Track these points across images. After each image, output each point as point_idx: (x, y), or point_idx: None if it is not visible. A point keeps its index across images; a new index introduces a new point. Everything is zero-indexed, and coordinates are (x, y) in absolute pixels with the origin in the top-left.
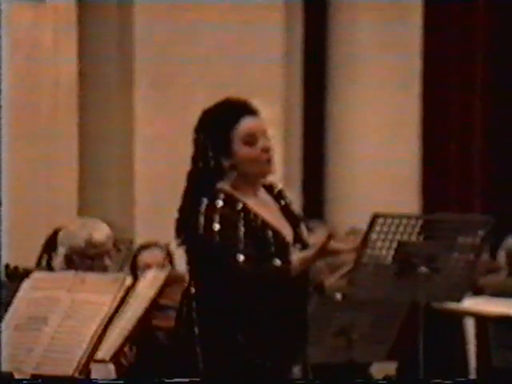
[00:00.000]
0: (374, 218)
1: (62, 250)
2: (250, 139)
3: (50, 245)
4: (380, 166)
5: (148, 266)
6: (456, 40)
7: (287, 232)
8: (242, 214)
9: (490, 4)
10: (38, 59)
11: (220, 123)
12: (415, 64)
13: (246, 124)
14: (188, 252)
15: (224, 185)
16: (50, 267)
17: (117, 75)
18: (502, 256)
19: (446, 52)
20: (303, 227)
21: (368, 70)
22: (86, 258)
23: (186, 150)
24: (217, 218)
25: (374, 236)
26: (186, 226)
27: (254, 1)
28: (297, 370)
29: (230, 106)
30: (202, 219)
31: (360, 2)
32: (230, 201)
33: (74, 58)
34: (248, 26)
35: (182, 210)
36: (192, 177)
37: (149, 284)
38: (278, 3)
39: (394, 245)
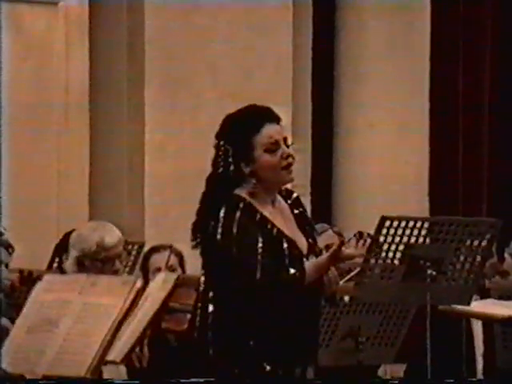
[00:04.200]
0: (382, 221)
1: (73, 253)
2: (272, 146)
3: (62, 248)
4: (388, 168)
5: (159, 269)
6: (465, 41)
7: (302, 243)
8: (260, 225)
9: (499, 3)
10: (49, 62)
11: (242, 130)
12: (424, 66)
13: (268, 131)
14: (204, 256)
15: (242, 191)
16: (61, 270)
17: (127, 78)
18: (508, 258)
19: (454, 53)
20: (314, 234)
21: (376, 73)
22: (97, 261)
23: (196, 153)
24: (235, 228)
25: (381, 238)
26: (203, 231)
27: (263, 5)
28: (310, 371)
29: (252, 113)
30: (220, 228)
31: (368, 5)
32: (249, 210)
33: (85, 60)
34: (258, 30)
35: (199, 214)
36: (211, 181)
37: (159, 286)
38: (287, 7)
39: (402, 247)
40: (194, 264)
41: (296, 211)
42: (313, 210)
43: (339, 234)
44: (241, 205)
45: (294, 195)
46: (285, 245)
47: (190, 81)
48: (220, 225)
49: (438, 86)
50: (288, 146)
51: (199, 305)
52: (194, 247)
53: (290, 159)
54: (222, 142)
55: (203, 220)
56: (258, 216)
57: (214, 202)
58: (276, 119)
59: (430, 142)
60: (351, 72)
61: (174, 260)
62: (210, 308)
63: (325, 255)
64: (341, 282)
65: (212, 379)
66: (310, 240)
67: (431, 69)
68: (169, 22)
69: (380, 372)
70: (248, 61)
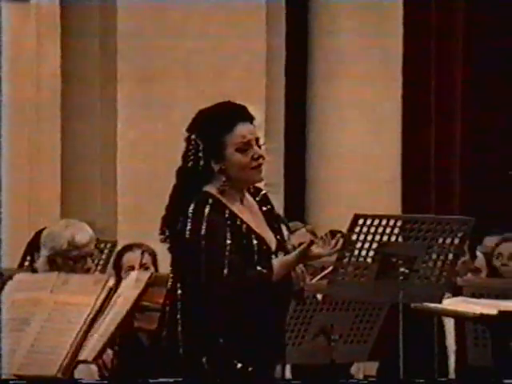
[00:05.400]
0: (355, 219)
1: (44, 252)
2: (244, 146)
3: (33, 246)
4: (361, 167)
5: (132, 268)
6: (437, 41)
7: (271, 239)
8: (229, 222)
9: (471, 4)
10: (20, 59)
11: (215, 127)
12: (396, 65)
13: (241, 131)
14: (172, 253)
15: (211, 188)
16: (32, 269)
17: (100, 75)
18: (480, 256)
19: (427, 53)
20: (285, 230)
21: (349, 72)
22: (68, 260)
23: (169, 150)
24: (204, 224)
25: (354, 236)
26: (172, 227)
27: (236, 3)
28: (278, 370)
29: (226, 111)
30: (189, 224)
31: (341, 4)
32: (218, 207)
33: (57, 58)
34: (231, 27)
35: (169, 209)
36: (181, 175)
37: (132, 285)
38: (260, 5)
39: (374, 245)
40: (167, 263)
41: (264, 208)
42: (286, 209)
43: (312, 233)
44: (210, 201)
45: (262, 192)
46: (254, 241)
47: (162, 78)
48: (189, 221)
49: (410, 85)
50: (260, 147)
51: (168, 303)
52: (163, 241)
53: (261, 160)
54: (193, 136)
55: (172, 216)
56: (227, 212)
57: (184, 198)
58: (249, 118)
59: (402, 140)
60: (324, 71)
61: (147, 259)
62: (179, 306)
63: (293, 253)
64: (314, 280)
65: (181, 379)
66: (279, 237)
67: (403, 68)
68: (141, 19)
69: (353, 370)
70: (221, 58)
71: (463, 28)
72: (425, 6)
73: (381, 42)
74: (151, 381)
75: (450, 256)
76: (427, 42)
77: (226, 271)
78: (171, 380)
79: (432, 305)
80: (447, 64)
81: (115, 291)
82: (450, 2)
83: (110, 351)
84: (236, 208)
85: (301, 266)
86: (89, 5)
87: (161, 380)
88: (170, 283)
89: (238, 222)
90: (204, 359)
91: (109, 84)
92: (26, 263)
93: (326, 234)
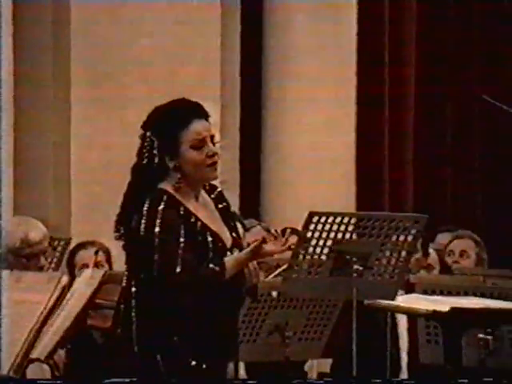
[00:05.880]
0: (310, 216)
1: None
2: (198, 143)
3: None
4: (316, 164)
5: (85, 266)
6: (390, 38)
7: (226, 236)
8: (184, 219)
9: (423, 1)
10: None
11: (170, 124)
12: (350, 63)
13: (195, 128)
14: (126, 250)
15: (166, 185)
16: None
17: (53, 75)
18: (433, 253)
19: (380, 51)
20: (240, 227)
21: (304, 70)
22: (21, 258)
23: (123, 149)
24: (158, 221)
25: (309, 234)
26: (126, 224)
27: (191, 0)
28: (230, 368)
29: (181, 108)
30: (143, 221)
31: (295, 2)
32: (173, 204)
33: (9, 57)
34: (185, 26)
35: (124, 206)
36: (136, 172)
37: (85, 283)
38: (215, 2)
39: (329, 242)
40: (122, 260)
41: (220, 205)
42: (241, 206)
43: (267, 230)
44: (164, 198)
45: (218, 190)
46: (209, 238)
47: (116, 76)
48: (143, 218)
49: (364, 84)
50: (214, 144)
51: (122, 300)
52: (118, 239)
53: (216, 158)
54: (148, 133)
55: (127, 213)
56: (182, 210)
57: (138, 195)
58: (204, 115)
59: (356, 138)
60: (279, 69)
61: (101, 256)
62: (133, 303)
63: (246, 250)
64: (269, 278)
65: (135, 379)
66: (234, 234)
67: (358, 66)
68: (95, 17)
69: (306, 367)
70: (176, 56)
71: (417, 25)
72: (379, 4)
73: (335, 39)
74: (106, 381)
75: (404, 253)
76: (381, 40)
77: (178, 269)
78: (127, 380)
79: (385, 302)
80: (401, 61)
81: (69, 289)
82: None
83: (61, 351)
84: (191, 205)
85: (254, 262)
86: (42, 2)
87: (114, 380)
88: (124, 281)
89: (193, 220)
90: (158, 357)
91: (62, 81)
92: None
93: (276, 231)
